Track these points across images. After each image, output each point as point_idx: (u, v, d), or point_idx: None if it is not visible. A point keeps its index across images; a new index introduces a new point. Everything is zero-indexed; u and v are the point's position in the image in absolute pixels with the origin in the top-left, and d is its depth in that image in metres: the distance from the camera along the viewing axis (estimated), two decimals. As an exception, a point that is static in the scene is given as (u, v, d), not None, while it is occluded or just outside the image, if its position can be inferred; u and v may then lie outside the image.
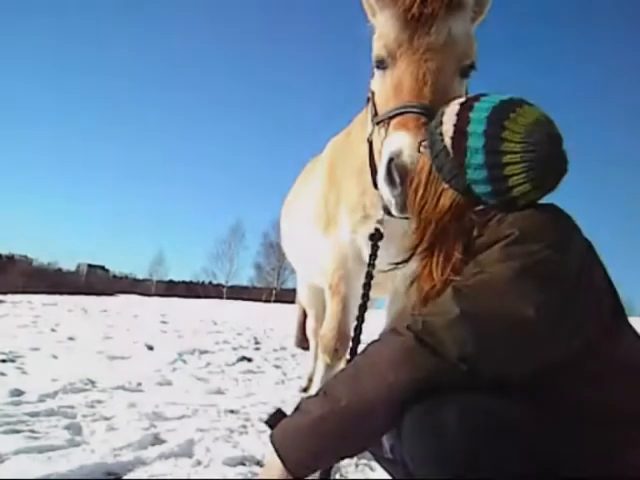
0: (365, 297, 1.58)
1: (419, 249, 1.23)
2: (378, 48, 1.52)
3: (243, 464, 1.94)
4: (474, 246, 1.10)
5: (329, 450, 1.02)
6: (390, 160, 1.35)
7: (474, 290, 1.01)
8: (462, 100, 1.21)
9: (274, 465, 1.03)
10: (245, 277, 58.18)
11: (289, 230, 3.30)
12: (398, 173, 1.32)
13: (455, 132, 1.14)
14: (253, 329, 9.65)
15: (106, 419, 2.40)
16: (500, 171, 1.08)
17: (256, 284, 46.80)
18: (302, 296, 3.69)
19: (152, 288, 48.45)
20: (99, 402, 2.74)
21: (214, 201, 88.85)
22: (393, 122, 1.41)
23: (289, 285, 41.64)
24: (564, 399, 1.00)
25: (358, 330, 1.55)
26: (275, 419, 1.12)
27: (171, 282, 54.39)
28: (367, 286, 1.59)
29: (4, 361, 3.79)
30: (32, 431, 2.07)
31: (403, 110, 1.40)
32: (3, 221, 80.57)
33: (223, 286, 44.99)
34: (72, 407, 2.54)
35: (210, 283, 48.09)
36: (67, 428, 2.16)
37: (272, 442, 1.05)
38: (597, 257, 1.11)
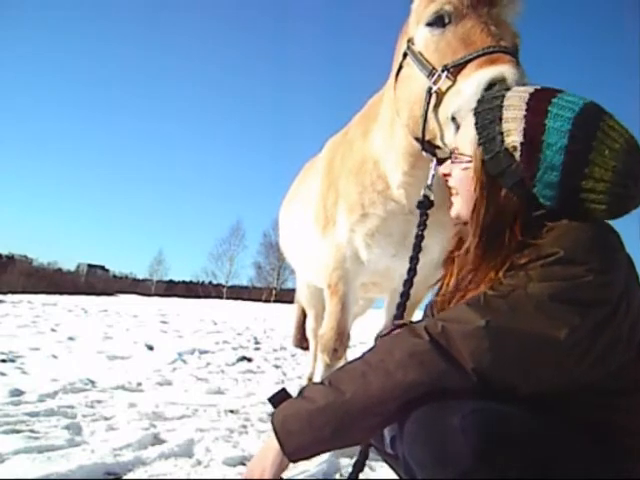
0: (412, 271, 1.55)
1: (475, 254, 1.11)
2: (440, 4, 1.45)
3: (243, 464, 1.93)
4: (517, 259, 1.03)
5: (327, 439, 1.03)
6: (491, 86, 1.24)
7: (506, 304, 0.96)
8: (525, 95, 1.07)
9: (271, 445, 1.05)
10: (245, 277, 58.41)
11: (288, 230, 3.30)
12: None
13: (526, 138, 1.02)
14: (253, 329, 9.65)
15: (106, 419, 2.40)
16: (578, 194, 1.00)
17: (256, 284, 46.84)
18: (301, 296, 3.69)
19: (152, 288, 48.47)
20: (99, 402, 2.74)
21: (214, 201, 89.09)
22: (477, 62, 1.31)
23: (289, 285, 41.69)
24: (578, 412, 0.98)
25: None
26: (279, 398, 1.13)
27: (171, 282, 54.43)
28: (415, 259, 1.55)
29: (4, 361, 3.79)
30: (32, 431, 2.07)
31: (491, 50, 1.31)
32: (3, 221, 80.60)
33: (223, 286, 45.01)
34: (72, 407, 2.54)
35: (210, 283, 48.17)
36: (67, 428, 2.16)
37: (272, 423, 1.06)
38: (637, 277, 1.04)
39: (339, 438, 1.03)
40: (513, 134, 1.03)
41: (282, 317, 13.93)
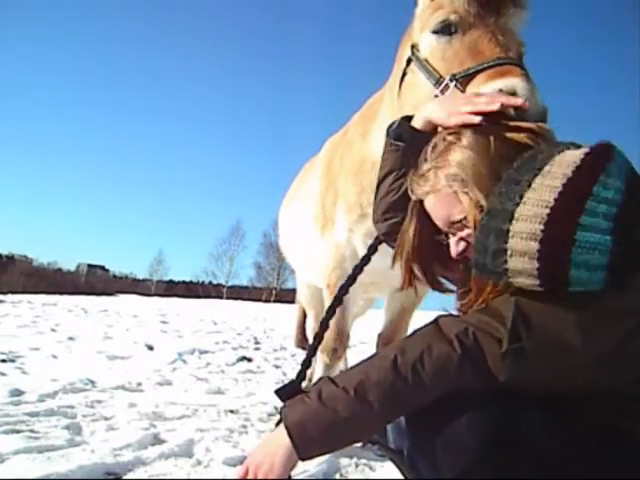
0: (340, 297, 1.64)
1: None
2: (446, 13, 1.44)
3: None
4: None
5: (345, 444, 1.04)
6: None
7: (539, 313, 0.92)
8: (544, 212, 0.86)
9: (281, 442, 1.01)
10: (245, 277, 58.39)
11: (287, 230, 3.30)
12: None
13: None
14: (253, 329, 9.65)
15: (106, 419, 2.40)
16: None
17: (256, 284, 46.89)
18: (302, 296, 3.70)
19: (152, 288, 48.49)
20: (99, 402, 2.74)
21: (214, 201, 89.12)
22: (486, 73, 1.30)
23: (289, 285, 41.73)
24: (594, 415, 0.96)
25: (324, 325, 1.57)
26: (289, 392, 1.08)
27: (171, 282, 54.44)
28: (352, 279, 1.64)
29: (4, 361, 3.79)
30: (32, 431, 2.07)
31: (500, 62, 1.30)
32: (3, 221, 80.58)
33: (223, 286, 45.05)
34: (72, 407, 2.54)
35: (210, 283, 48.21)
36: (67, 428, 2.16)
37: (286, 425, 1.01)
38: None
39: (356, 439, 1.06)
40: (518, 264, 0.88)
41: (282, 317, 13.93)
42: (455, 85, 1.36)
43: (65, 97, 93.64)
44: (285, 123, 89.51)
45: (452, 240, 1.12)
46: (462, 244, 1.10)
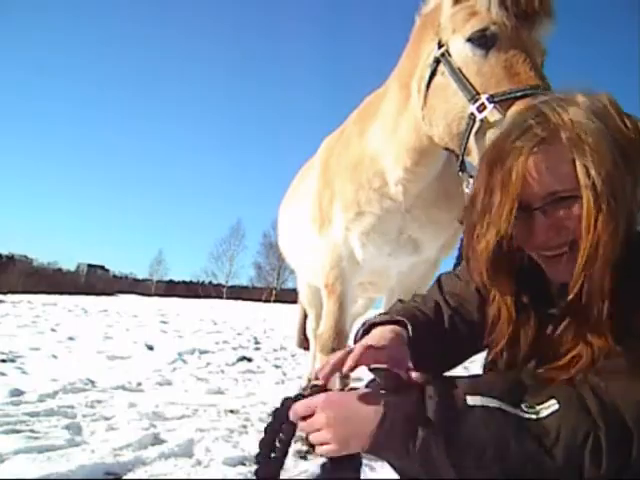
0: None
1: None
2: (484, 22, 1.42)
3: (243, 464, 1.94)
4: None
5: None
6: None
7: None
8: None
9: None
10: (245, 277, 58.53)
11: (286, 230, 3.30)
12: None
13: None
14: (253, 329, 9.66)
15: (106, 419, 2.41)
16: None
17: (256, 284, 46.92)
18: (302, 296, 3.70)
19: (152, 288, 48.48)
20: (99, 402, 2.75)
21: (214, 201, 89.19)
22: (520, 102, 1.30)
23: (289, 285, 41.76)
24: None
25: None
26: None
27: (171, 282, 54.42)
28: None
29: (4, 361, 3.80)
30: (32, 431, 2.07)
31: (534, 92, 1.30)
32: (3, 221, 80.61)
33: (223, 286, 45.05)
34: (72, 407, 2.55)
35: (210, 283, 48.18)
36: (67, 428, 2.17)
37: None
38: None
39: None
40: None
41: (282, 317, 13.93)
42: (494, 107, 1.35)
43: (65, 97, 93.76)
44: (285, 123, 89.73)
45: (540, 221, 0.81)
46: (556, 232, 0.81)
